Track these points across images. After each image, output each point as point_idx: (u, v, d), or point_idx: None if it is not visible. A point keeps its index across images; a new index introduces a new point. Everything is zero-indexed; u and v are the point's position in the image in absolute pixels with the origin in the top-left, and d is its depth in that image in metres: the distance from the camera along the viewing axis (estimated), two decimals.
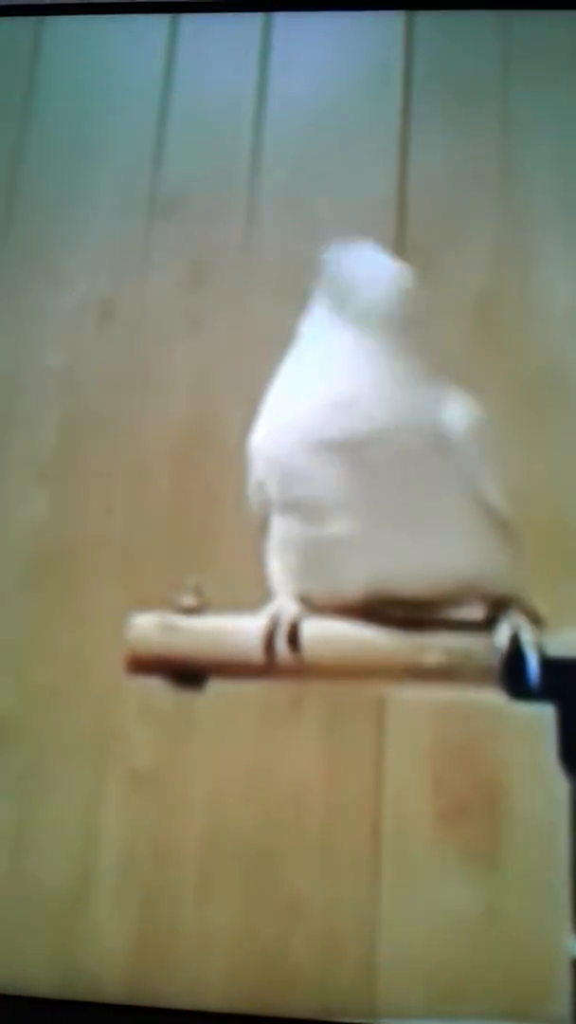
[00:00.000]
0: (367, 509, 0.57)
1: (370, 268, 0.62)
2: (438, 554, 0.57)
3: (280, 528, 0.60)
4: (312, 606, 0.59)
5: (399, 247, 0.68)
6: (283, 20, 0.75)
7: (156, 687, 0.59)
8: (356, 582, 0.57)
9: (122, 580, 0.63)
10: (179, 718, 0.60)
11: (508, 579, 0.59)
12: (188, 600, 0.60)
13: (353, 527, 0.57)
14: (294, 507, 0.58)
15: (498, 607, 0.58)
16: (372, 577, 0.57)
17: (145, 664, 0.59)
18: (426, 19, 0.74)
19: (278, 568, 0.60)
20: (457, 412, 0.58)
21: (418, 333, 0.60)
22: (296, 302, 0.62)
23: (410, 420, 0.57)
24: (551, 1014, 0.54)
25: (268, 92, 0.74)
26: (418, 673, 0.56)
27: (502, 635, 0.57)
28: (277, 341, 0.62)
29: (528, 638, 0.56)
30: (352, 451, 0.56)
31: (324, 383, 0.59)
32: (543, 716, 0.56)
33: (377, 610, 0.57)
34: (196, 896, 0.58)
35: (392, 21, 0.74)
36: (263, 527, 0.61)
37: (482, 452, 0.58)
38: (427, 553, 0.57)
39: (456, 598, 0.58)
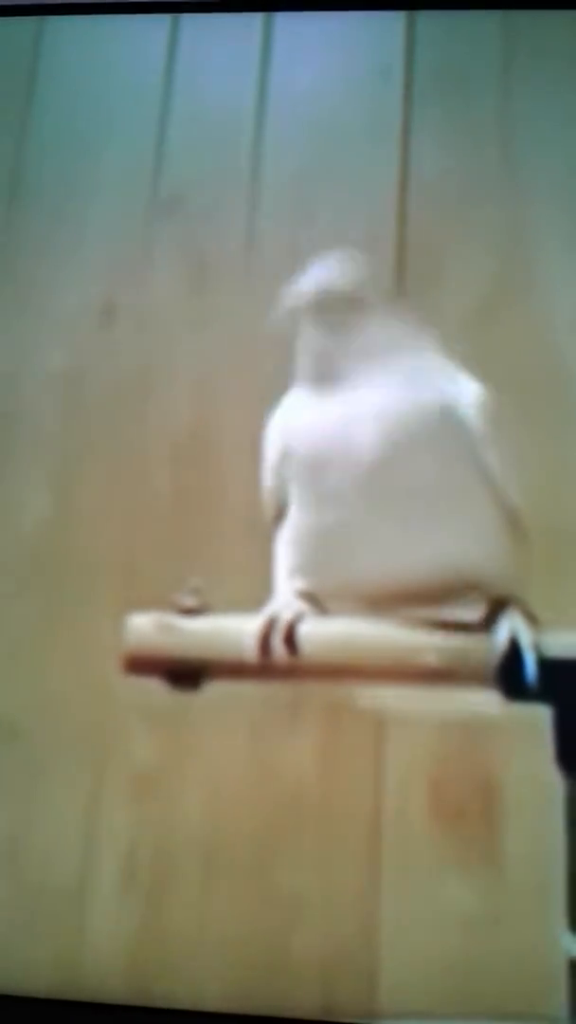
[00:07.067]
0: (384, 494, 0.57)
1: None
2: (449, 545, 0.57)
3: (298, 515, 0.59)
4: (318, 604, 0.59)
5: (400, 246, 0.68)
6: (283, 20, 0.75)
7: (155, 687, 0.59)
8: (370, 571, 0.57)
9: (122, 580, 0.63)
10: (178, 719, 0.60)
11: (510, 578, 0.59)
12: (188, 601, 0.60)
13: (370, 511, 0.57)
14: (315, 484, 0.58)
15: (497, 607, 0.58)
16: (385, 565, 0.57)
17: (142, 664, 0.59)
18: (427, 19, 0.74)
19: (289, 561, 0.60)
20: (472, 400, 0.58)
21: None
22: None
23: (426, 404, 0.58)
24: (549, 1013, 0.54)
25: (268, 92, 0.73)
26: (416, 674, 0.56)
27: (501, 635, 0.56)
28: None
29: (527, 639, 0.56)
30: (373, 434, 0.57)
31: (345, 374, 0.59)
32: (540, 717, 0.56)
33: (384, 606, 0.57)
34: (196, 896, 0.58)
35: (393, 21, 0.74)
36: (277, 517, 0.61)
37: (497, 443, 0.58)
38: (440, 543, 0.57)
39: (459, 594, 0.58)
